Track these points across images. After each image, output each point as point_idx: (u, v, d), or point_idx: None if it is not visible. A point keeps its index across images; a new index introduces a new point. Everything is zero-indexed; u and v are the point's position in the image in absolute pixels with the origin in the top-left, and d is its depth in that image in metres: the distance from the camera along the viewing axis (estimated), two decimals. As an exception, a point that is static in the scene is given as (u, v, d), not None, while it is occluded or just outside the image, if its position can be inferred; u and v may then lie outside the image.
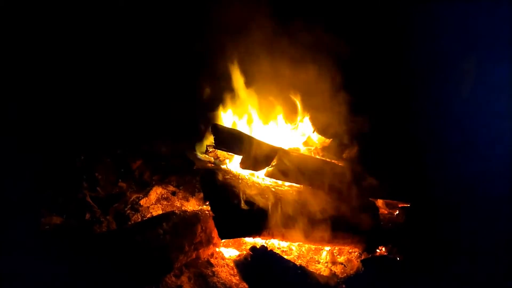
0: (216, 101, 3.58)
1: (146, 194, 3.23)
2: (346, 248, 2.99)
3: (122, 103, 4.21)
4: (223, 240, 2.81)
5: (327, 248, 2.98)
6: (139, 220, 3.00)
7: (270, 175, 2.81)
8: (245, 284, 2.50)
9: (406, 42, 4.03)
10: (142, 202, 3.15)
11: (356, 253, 2.96)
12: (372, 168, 3.20)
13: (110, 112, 4.13)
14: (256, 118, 3.60)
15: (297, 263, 2.66)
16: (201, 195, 3.34)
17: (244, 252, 2.69)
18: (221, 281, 2.54)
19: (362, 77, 4.04)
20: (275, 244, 2.99)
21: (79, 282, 2.16)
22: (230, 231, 2.49)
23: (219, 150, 3.08)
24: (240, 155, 2.90)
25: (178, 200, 3.34)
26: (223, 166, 3.04)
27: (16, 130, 3.37)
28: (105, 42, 4.31)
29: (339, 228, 2.78)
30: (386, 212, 3.43)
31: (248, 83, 3.60)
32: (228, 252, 2.86)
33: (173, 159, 3.74)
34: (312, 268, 2.78)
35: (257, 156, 2.85)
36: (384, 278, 2.61)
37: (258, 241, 2.90)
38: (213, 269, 2.63)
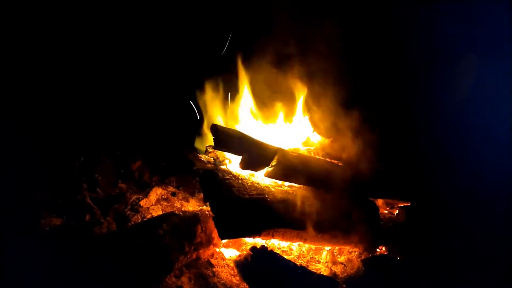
0: (216, 101, 3.59)
1: (146, 195, 3.23)
2: (347, 248, 2.99)
3: (121, 104, 4.21)
4: (223, 241, 2.82)
5: (328, 248, 2.98)
6: (139, 221, 3.00)
7: (269, 175, 2.81)
8: (245, 284, 2.50)
9: (405, 42, 4.03)
10: (142, 203, 3.15)
11: (356, 253, 2.96)
12: (372, 167, 3.20)
13: (109, 113, 4.14)
14: (256, 119, 3.60)
15: (298, 263, 2.66)
16: (201, 195, 3.34)
17: (245, 252, 2.69)
18: (221, 282, 2.54)
19: (362, 77, 4.05)
20: (275, 244, 2.99)
21: (80, 283, 2.16)
22: (230, 231, 2.49)
23: (218, 151, 3.08)
24: (239, 155, 2.90)
25: (178, 201, 3.34)
26: (222, 167, 3.04)
27: (16, 131, 3.37)
28: (103, 44, 4.32)
29: (339, 227, 2.78)
30: (386, 211, 3.43)
31: (249, 83, 3.60)
32: (229, 252, 2.86)
33: (173, 159, 3.74)
34: (312, 268, 2.78)
35: (256, 156, 2.85)
36: (384, 277, 2.61)
37: (258, 241, 2.91)
38: (214, 270, 2.63)
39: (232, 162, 3.16)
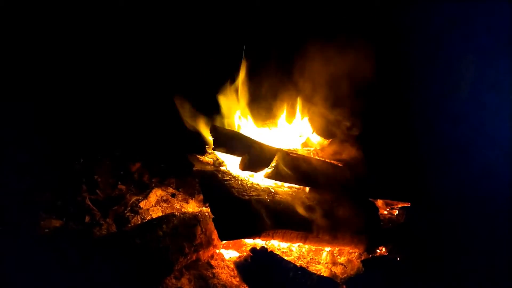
0: (216, 102, 3.58)
1: (145, 197, 3.23)
2: (346, 249, 2.98)
3: (121, 106, 4.21)
4: (223, 242, 2.81)
5: (327, 248, 2.98)
6: (139, 222, 2.99)
7: (269, 176, 2.81)
8: (245, 285, 2.50)
9: (406, 41, 4.04)
10: (141, 204, 3.15)
11: (356, 254, 2.96)
12: (372, 168, 3.20)
13: (109, 115, 4.14)
14: (256, 120, 3.60)
15: (298, 264, 2.66)
16: (201, 197, 3.34)
17: (244, 254, 2.69)
18: (221, 283, 2.54)
19: (362, 77, 4.05)
20: (275, 245, 2.99)
21: (80, 285, 2.15)
22: (230, 233, 2.49)
23: (218, 152, 3.08)
24: (239, 156, 2.90)
25: (177, 202, 3.34)
26: (222, 168, 3.04)
27: (15, 132, 3.37)
28: (103, 45, 4.32)
29: (339, 228, 2.78)
30: (386, 212, 3.43)
31: (249, 84, 3.60)
32: (228, 253, 2.86)
33: (173, 161, 3.73)
34: (312, 269, 2.78)
35: (256, 157, 2.85)
36: (384, 278, 2.61)
37: (258, 242, 2.90)
38: (214, 271, 2.63)
39: (231, 163, 3.16)
